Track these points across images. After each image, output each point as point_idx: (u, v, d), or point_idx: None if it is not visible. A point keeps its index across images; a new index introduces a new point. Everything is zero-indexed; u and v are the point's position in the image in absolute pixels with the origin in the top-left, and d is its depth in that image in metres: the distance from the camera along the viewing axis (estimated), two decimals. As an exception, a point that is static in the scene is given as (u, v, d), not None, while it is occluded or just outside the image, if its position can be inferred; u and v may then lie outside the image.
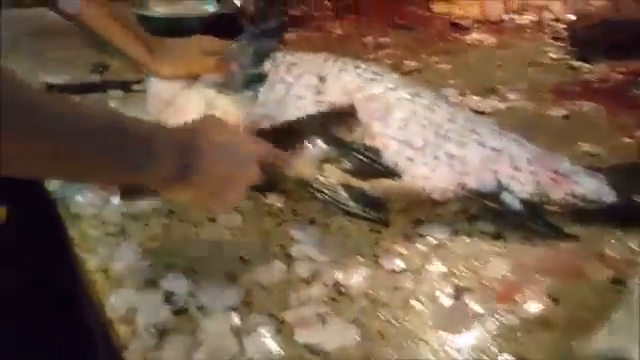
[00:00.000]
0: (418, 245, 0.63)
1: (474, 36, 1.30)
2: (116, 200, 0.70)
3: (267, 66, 0.75)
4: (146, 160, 0.47)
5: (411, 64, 1.15)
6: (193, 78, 0.80)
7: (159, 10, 1.30)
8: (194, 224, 0.67)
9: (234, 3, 1.30)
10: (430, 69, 1.13)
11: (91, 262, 0.62)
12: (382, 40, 1.26)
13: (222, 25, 1.18)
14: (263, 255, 0.62)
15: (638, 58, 1.16)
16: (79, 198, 0.71)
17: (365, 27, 1.34)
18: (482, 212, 0.68)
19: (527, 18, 1.39)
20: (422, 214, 0.68)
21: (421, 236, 0.65)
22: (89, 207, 0.70)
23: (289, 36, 1.26)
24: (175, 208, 0.70)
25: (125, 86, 1.03)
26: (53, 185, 0.74)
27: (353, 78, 0.70)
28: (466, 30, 1.33)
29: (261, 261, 0.61)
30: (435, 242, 0.64)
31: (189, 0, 1.34)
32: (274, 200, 0.71)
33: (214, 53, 0.79)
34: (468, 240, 0.65)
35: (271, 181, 0.67)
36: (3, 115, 0.37)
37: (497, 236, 0.65)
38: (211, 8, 1.31)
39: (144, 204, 0.70)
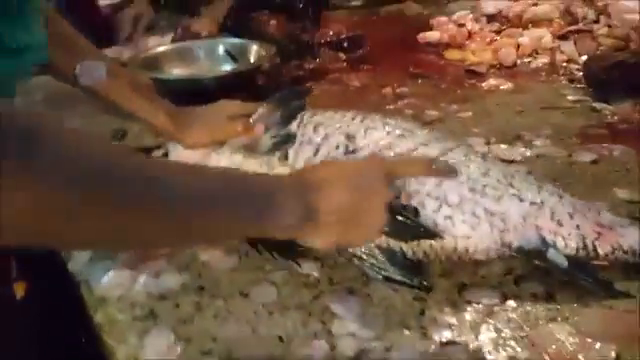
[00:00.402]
0: (466, 313, 0.61)
1: (490, 82, 1.30)
2: (142, 279, 0.68)
3: (294, 126, 0.74)
4: (269, 209, 0.46)
5: (432, 114, 1.14)
6: (219, 144, 0.79)
7: (175, 72, 1.32)
8: (225, 299, 0.65)
9: (250, 61, 1.31)
10: (452, 118, 1.12)
11: (120, 352, 0.59)
12: (400, 90, 1.26)
13: (239, 84, 1.19)
14: (303, 333, 0.59)
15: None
16: (104, 279, 0.69)
17: (381, 77, 1.34)
18: (528, 271, 0.66)
19: (540, 61, 1.39)
20: (466, 277, 0.66)
21: (468, 302, 0.62)
22: (115, 288, 0.67)
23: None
24: (205, 283, 0.67)
25: (146, 152, 1.02)
26: (76, 265, 0.71)
27: (383, 135, 0.70)
28: (481, 76, 1.33)
29: (302, 340, 0.58)
30: (484, 308, 0.62)
31: (204, 61, 1.35)
32: (309, 269, 0.68)
33: (240, 117, 0.79)
34: (518, 304, 0.62)
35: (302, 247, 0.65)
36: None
37: (548, 297, 0.63)
38: (227, 67, 1.32)
39: (172, 281, 0.67)
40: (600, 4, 1.53)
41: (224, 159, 0.78)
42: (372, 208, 0.53)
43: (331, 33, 1.46)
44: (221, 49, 1.34)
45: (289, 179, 0.52)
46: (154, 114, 0.81)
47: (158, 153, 1.00)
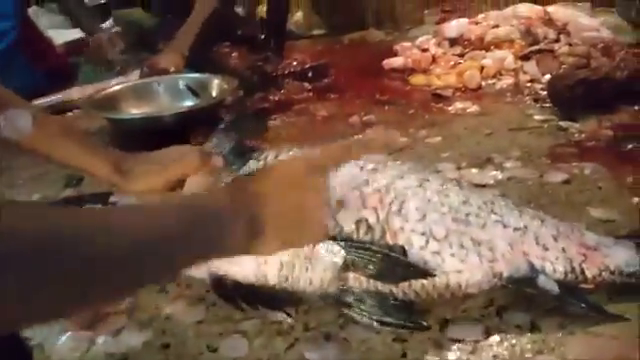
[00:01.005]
0: (450, 352, 0.58)
1: (457, 105, 1.29)
2: (101, 339, 0.63)
3: (253, 165, 0.71)
4: (220, 235, 0.46)
5: (401, 140, 1.13)
6: (177, 187, 0.74)
7: (133, 111, 1.27)
8: (193, 357, 0.60)
9: (212, 95, 1.28)
10: (421, 144, 1.11)
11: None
12: (367, 118, 1.25)
13: (201, 119, 1.16)
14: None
15: (619, 111, 1.16)
16: (60, 341, 0.63)
17: (348, 106, 1.33)
18: (511, 301, 0.63)
19: (505, 82, 1.40)
20: (448, 312, 0.63)
21: (451, 340, 0.59)
22: (72, 351, 0.62)
23: (273, 123, 1.24)
24: (170, 339, 0.62)
25: (103, 198, 0.97)
26: (29, 330, 0.66)
27: (356, 171, 0.67)
28: (448, 100, 1.33)
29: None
30: (467, 346, 0.58)
31: (164, 97, 1.31)
32: (282, 315, 0.64)
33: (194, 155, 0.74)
34: (502, 338, 0.59)
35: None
36: None
37: (532, 328, 0.60)
38: (188, 103, 1.29)
39: (134, 339, 0.62)
40: (559, 23, 1.56)
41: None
42: (312, 205, 0.53)
43: (295, 63, 1.44)
44: (181, 84, 1.31)
45: (231, 197, 0.50)
46: (91, 162, 0.73)
47: (117, 198, 0.95)
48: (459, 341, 0.59)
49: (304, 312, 0.64)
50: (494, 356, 0.57)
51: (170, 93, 1.31)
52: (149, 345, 0.62)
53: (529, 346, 0.58)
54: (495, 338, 0.59)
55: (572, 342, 0.58)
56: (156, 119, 1.18)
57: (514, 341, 0.59)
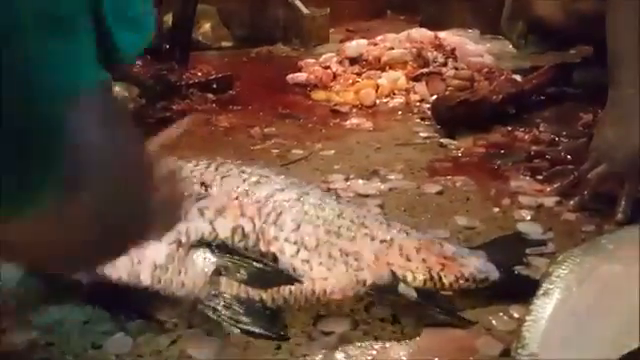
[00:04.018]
0: (320, 343, 0.64)
1: (352, 121, 1.39)
2: None
3: None
4: None
5: (298, 152, 1.19)
6: None
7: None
8: (77, 355, 0.62)
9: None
10: (316, 156, 1.18)
11: None
12: (268, 130, 1.31)
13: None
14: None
15: (493, 131, 1.31)
16: None
17: (250, 118, 1.38)
18: (378, 299, 0.71)
19: (397, 101, 1.51)
20: (322, 309, 0.69)
21: (322, 333, 0.66)
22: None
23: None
24: (54, 339, 0.64)
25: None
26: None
27: (239, 182, 0.72)
28: (345, 115, 1.42)
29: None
30: (337, 336, 0.65)
31: None
32: (167, 316, 0.67)
33: None
34: (367, 329, 0.67)
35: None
36: None
37: (394, 321, 0.68)
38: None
39: (18, 339, 0.63)
40: (449, 48, 1.70)
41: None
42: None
43: (199, 74, 1.48)
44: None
45: None
46: None
47: None
48: (329, 333, 0.66)
49: (189, 312, 0.69)
50: (359, 345, 0.64)
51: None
52: (33, 344, 0.64)
53: (388, 335, 0.66)
54: (361, 329, 0.67)
55: (425, 334, 0.66)
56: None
57: (377, 333, 0.66)
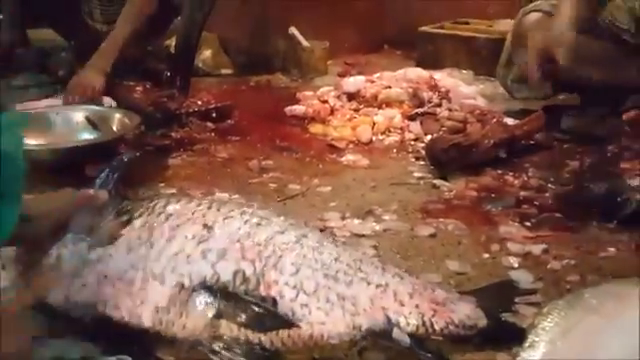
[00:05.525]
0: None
1: (348, 157, 1.41)
2: None
3: (143, 216, 0.75)
4: None
5: (295, 188, 1.22)
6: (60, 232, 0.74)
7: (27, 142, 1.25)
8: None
9: (112, 129, 1.29)
10: (313, 192, 1.21)
11: None
12: (265, 163, 1.33)
13: (101, 153, 1.16)
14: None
15: (484, 174, 1.34)
16: None
17: (248, 149, 1.41)
18: (371, 345, 0.73)
19: (392, 139, 1.54)
20: (316, 351, 0.71)
21: (317, 380, 0.67)
22: None
23: (174, 161, 1.28)
24: None
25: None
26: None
27: (241, 224, 0.74)
28: (341, 151, 1.45)
29: None
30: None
31: (61, 129, 1.28)
32: (168, 355, 0.68)
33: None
34: (361, 374, 0.68)
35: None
36: None
37: (387, 366, 0.70)
38: (86, 135, 1.28)
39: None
40: (443, 89, 1.75)
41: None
42: None
43: (199, 102, 1.50)
44: (81, 117, 1.30)
45: None
46: None
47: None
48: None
49: (187, 352, 0.70)
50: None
51: (67, 125, 1.29)
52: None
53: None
54: (355, 376, 0.68)
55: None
56: (53, 152, 1.17)
57: (371, 378, 0.68)
